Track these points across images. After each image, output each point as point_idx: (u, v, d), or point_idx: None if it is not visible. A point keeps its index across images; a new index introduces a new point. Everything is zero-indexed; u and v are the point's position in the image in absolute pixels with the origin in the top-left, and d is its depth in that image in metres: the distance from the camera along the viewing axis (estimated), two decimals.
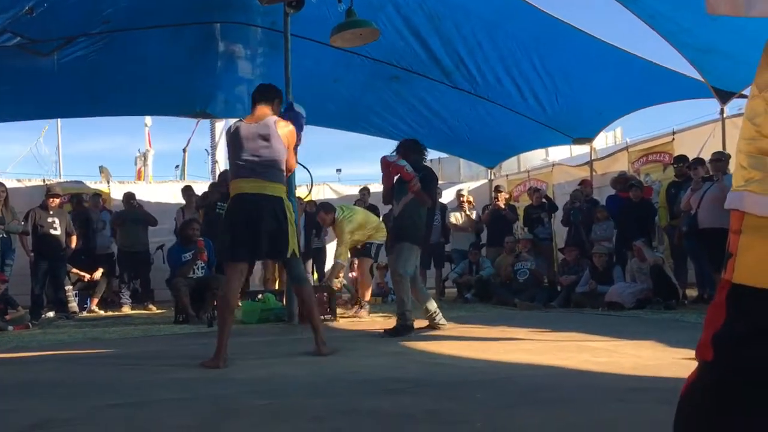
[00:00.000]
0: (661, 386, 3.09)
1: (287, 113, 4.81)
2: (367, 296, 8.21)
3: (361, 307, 8.00)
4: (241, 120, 4.55)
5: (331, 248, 9.81)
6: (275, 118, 4.46)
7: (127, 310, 9.62)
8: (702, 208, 7.28)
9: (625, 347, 4.62)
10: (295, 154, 4.67)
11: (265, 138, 4.35)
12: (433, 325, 6.10)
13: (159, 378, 3.86)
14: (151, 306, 9.73)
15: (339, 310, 7.83)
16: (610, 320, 6.79)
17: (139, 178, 20.31)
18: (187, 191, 10.48)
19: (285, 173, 4.46)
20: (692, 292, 8.58)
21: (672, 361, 3.83)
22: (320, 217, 8.25)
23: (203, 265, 7.93)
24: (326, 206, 8.34)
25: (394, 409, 2.90)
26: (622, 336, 5.19)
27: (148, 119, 22.53)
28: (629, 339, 5.01)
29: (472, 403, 3.00)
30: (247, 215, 4.29)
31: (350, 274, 10.27)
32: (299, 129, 4.66)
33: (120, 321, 8.16)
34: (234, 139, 4.45)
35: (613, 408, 2.83)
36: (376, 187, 9.46)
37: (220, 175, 11.00)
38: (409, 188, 5.85)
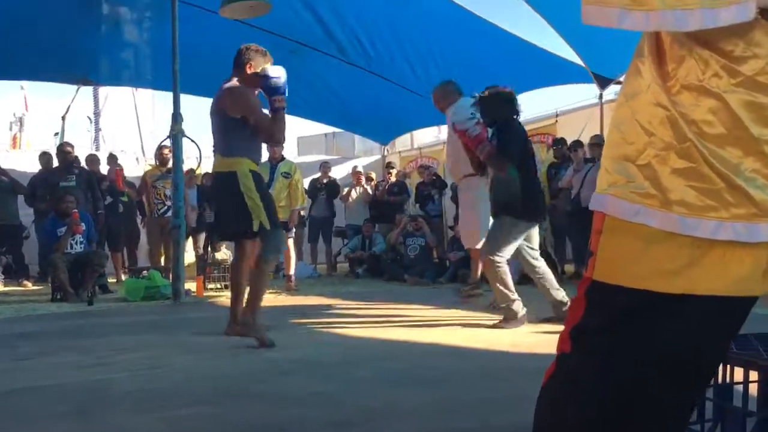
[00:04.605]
0: (535, 364, 3.24)
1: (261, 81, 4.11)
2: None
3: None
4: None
5: None
6: (229, 84, 4.17)
7: None
8: (584, 188, 7.66)
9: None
10: (268, 117, 4.15)
11: (216, 110, 4.16)
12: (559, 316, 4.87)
13: (30, 365, 3.66)
14: (26, 282, 9.17)
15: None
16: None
17: (14, 145, 18.93)
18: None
19: (241, 142, 4.10)
20: (570, 268, 9.01)
21: (547, 337, 4.01)
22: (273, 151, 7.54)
23: (82, 240, 7.52)
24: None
25: (280, 392, 2.91)
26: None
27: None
28: None
29: (354, 383, 3.04)
30: (212, 196, 4.54)
31: None
32: (271, 91, 4.04)
33: None
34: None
35: (490, 386, 2.95)
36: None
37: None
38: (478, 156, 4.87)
